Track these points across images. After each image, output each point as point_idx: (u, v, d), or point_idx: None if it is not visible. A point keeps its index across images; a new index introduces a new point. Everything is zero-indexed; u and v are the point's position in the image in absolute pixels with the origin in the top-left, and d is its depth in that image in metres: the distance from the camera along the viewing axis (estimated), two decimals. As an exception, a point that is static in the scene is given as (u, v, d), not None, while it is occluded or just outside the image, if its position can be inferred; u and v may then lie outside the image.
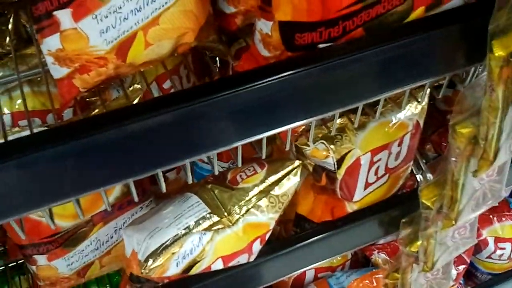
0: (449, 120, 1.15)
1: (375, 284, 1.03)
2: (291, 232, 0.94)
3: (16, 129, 0.76)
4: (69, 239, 0.84)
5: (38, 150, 0.52)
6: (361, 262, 1.18)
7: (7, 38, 0.83)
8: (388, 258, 1.11)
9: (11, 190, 0.53)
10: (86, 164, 0.55)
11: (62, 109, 0.74)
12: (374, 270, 1.06)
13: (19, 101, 0.79)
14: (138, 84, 0.79)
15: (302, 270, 0.91)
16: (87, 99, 0.79)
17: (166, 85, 0.87)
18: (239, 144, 0.60)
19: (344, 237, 0.88)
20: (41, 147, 0.52)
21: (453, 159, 0.70)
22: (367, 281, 1.04)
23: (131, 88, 0.79)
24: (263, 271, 0.84)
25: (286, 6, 0.58)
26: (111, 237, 0.89)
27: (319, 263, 0.94)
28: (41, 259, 0.85)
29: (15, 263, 1.28)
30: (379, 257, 1.11)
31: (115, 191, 0.83)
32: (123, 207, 0.86)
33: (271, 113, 0.58)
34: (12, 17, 0.84)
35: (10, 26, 0.83)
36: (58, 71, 0.65)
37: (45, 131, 0.60)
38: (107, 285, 1.33)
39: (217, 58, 0.93)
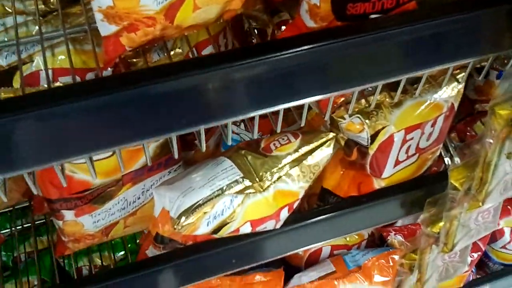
0: (477, 109, 1.17)
1: (391, 263, 1.04)
2: (314, 206, 0.95)
3: (58, 84, 0.77)
4: (98, 197, 0.86)
5: (84, 98, 0.53)
6: (376, 243, 1.19)
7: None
8: (403, 241, 1.12)
9: (56, 135, 0.54)
10: (132, 115, 0.56)
11: (105, 67, 0.74)
12: (390, 250, 1.07)
13: (60, 57, 0.80)
14: (179, 48, 0.80)
15: (322, 243, 0.92)
16: (128, 60, 0.80)
17: (205, 52, 0.87)
18: (281, 107, 0.60)
19: (367, 214, 0.89)
20: (88, 96, 0.53)
21: (488, 140, 0.71)
22: (382, 261, 1.05)
23: (172, 52, 0.79)
24: (283, 241, 0.86)
25: (339, -25, 0.58)
26: (138, 198, 0.90)
27: (338, 238, 0.95)
28: (69, 214, 0.86)
29: (30, 224, 1.30)
30: (395, 239, 1.12)
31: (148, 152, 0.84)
32: (153, 169, 0.87)
33: (317, 79, 0.58)
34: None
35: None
36: (106, 28, 0.65)
37: (93, 80, 0.61)
38: (122, 251, 1.35)
39: (255, 30, 0.94)
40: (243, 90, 0.58)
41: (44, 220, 1.30)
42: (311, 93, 0.59)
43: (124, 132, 0.57)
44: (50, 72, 0.79)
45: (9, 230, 1.26)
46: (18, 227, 1.28)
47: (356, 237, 1.12)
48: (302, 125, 0.67)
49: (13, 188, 0.98)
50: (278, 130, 0.67)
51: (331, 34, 0.56)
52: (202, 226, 0.70)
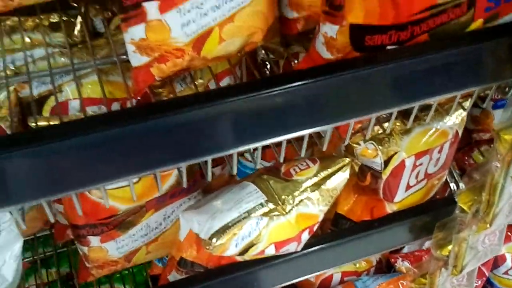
0: (474, 139, 1.22)
1: (401, 288, 1.08)
2: (327, 231, 0.99)
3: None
4: (123, 222, 0.89)
5: (117, 126, 0.57)
6: (384, 270, 1.22)
7: (75, 30, 0.89)
8: (410, 267, 1.16)
9: (92, 161, 0.58)
10: (165, 141, 0.60)
11: (135, 96, 0.79)
12: (400, 275, 1.11)
13: (88, 87, 0.84)
14: (200, 79, 0.85)
15: (338, 267, 0.95)
16: (154, 90, 0.85)
17: (223, 83, 0.92)
18: (305, 132, 0.66)
19: (380, 238, 0.93)
20: (118, 124, 0.57)
21: (495, 164, 0.76)
22: (392, 286, 1.09)
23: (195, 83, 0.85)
24: (302, 264, 0.89)
25: (359, 10, 0.64)
26: (160, 224, 0.94)
27: (351, 263, 0.99)
28: (95, 240, 0.90)
29: (43, 255, 1.32)
30: (402, 265, 1.16)
31: (171, 179, 0.88)
32: (175, 195, 0.91)
33: (340, 106, 0.64)
34: (83, 11, 0.90)
35: (80, 20, 0.90)
36: (138, 59, 0.70)
37: (124, 110, 0.65)
38: (133, 284, 1.37)
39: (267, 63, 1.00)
40: (268, 116, 0.63)
41: (52, 252, 1.33)
42: (335, 119, 0.64)
43: (162, 156, 0.62)
44: (78, 102, 0.84)
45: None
46: (26, 259, 1.30)
47: (365, 264, 1.16)
48: (324, 149, 0.72)
49: (36, 216, 1.01)
50: (303, 155, 0.71)
51: (350, 65, 0.62)
52: (231, 247, 0.74)
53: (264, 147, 0.72)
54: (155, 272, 1.23)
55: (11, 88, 0.80)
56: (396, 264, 1.16)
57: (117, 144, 0.58)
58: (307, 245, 0.87)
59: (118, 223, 0.89)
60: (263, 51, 0.93)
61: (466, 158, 1.26)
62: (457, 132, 0.89)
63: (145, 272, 1.38)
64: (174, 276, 0.90)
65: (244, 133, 0.63)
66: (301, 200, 0.78)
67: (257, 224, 0.75)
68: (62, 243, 1.29)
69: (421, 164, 0.87)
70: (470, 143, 1.25)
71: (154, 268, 1.23)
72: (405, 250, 1.19)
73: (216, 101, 0.58)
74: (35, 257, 1.28)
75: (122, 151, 0.59)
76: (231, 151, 0.64)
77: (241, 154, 1.04)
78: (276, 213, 0.76)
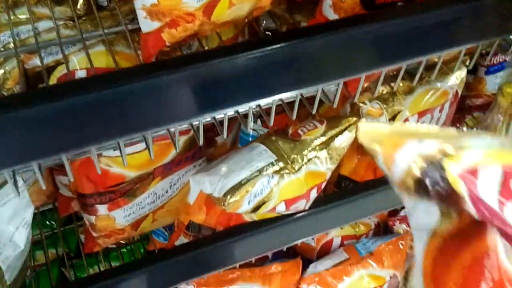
0: (467, 104, 1.26)
1: (401, 247, 1.11)
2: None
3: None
4: (130, 190, 0.90)
5: (125, 83, 0.58)
6: (381, 234, 1.26)
7: (79, 4, 0.89)
8: (408, 229, 1.20)
9: (100, 118, 0.59)
10: (181, 96, 0.61)
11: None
12: (399, 236, 1.14)
13: (93, 57, 0.85)
14: (206, 46, 0.86)
15: (336, 231, 0.98)
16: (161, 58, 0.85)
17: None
18: (320, 86, 0.68)
19: (381, 197, 0.95)
20: (127, 81, 0.58)
21: (497, 116, 0.79)
22: (391, 246, 1.12)
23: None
24: (311, 222, 0.91)
25: (369, -31, 0.66)
26: (166, 192, 0.95)
27: (349, 226, 1.02)
28: (102, 209, 0.90)
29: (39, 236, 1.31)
30: (400, 227, 1.19)
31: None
32: (182, 163, 0.92)
33: (351, 59, 0.65)
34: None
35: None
36: (149, 25, 0.70)
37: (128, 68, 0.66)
38: (131, 258, 1.38)
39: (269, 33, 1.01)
40: (283, 70, 0.64)
41: (51, 231, 1.32)
42: (347, 73, 0.66)
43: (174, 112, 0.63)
44: (84, 72, 0.84)
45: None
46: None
47: (363, 227, 1.19)
48: (335, 106, 0.73)
49: (40, 189, 1.00)
50: (314, 112, 0.73)
51: (365, 19, 0.64)
52: (244, 204, 0.76)
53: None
54: (154, 247, 1.25)
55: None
56: (394, 226, 1.19)
57: (133, 100, 0.59)
58: (312, 206, 0.89)
59: (126, 191, 0.90)
60: (265, 21, 0.94)
61: (459, 124, 1.30)
62: (457, 92, 0.92)
63: (143, 249, 1.40)
64: (181, 241, 0.91)
65: (261, 86, 0.64)
66: (310, 159, 0.80)
67: (268, 182, 0.77)
68: (60, 223, 1.29)
69: (423, 123, 0.90)
70: (464, 108, 1.28)
71: (156, 243, 1.25)
72: (402, 213, 1.22)
73: (231, 55, 0.59)
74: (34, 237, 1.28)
75: (138, 106, 0.60)
76: (250, 104, 0.65)
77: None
78: (286, 171, 0.78)
